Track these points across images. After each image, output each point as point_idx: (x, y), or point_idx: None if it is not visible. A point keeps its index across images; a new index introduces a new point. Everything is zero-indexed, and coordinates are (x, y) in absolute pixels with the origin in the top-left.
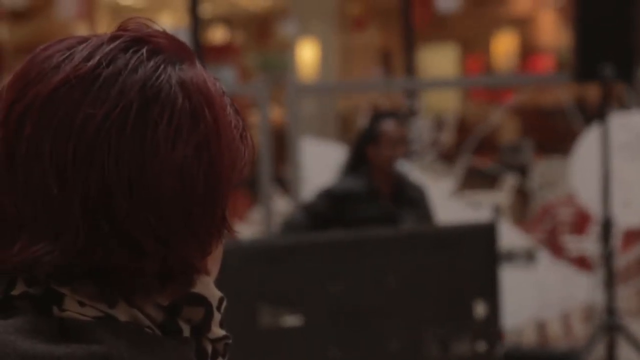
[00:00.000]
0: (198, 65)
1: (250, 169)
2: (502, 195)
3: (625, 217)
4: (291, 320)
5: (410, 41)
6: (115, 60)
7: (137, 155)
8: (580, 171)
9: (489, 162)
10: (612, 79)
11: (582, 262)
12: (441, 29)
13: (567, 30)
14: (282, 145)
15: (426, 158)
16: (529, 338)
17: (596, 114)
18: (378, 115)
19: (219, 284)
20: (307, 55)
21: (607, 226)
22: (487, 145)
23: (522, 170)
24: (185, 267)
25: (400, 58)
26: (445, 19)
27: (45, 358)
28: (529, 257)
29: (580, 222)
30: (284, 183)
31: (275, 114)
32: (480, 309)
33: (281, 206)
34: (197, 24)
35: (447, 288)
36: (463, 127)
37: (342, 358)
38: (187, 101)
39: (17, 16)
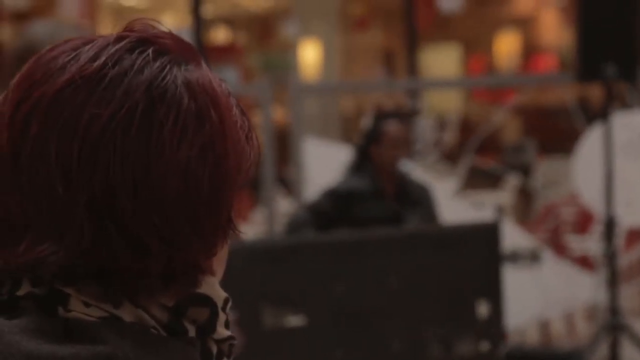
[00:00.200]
0: (204, 66)
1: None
2: (505, 195)
3: (628, 217)
4: (294, 321)
5: (412, 41)
6: (121, 60)
7: (142, 155)
8: (583, 171)
9: (491, 162)
10: (615, 79)
11: (585, 262)
12: (444, 29)
13: (570, 30)
14: (284, 145)
15: (429, 158)
16: (532, 338)
17: (599, 113)
18: (381, 115)
19: (221, 284)
20: (310, 55)
21: (610, 225)
22: (490, 145)
23: (525, 170)
24: (190, 267)
25: (402, 58)
26: (448, 19)
27: (50, 358)
28: (534, 257)
29: (583, 222)
30: (287, 183)
31: (278, 114)
32: (483, 309)
33: (284, 206)
34: (200, 24)
35: (449, 288)
36: (466, 127)
37: (345, 358)
38: (193, 102)
39: (19, 17)
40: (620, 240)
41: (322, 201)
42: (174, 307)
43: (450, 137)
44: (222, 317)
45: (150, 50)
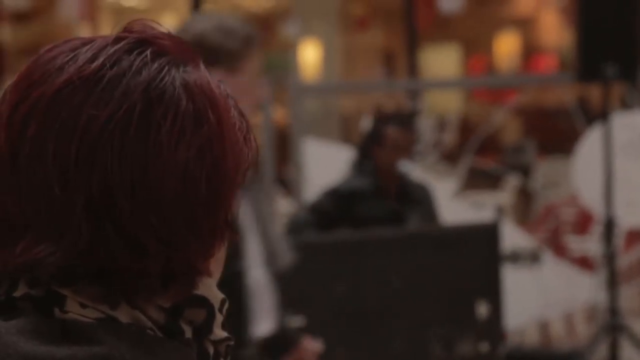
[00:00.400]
0: (202, 67)
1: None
2: (505, 196)
3: (627, 217)
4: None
5: (412, 41)
6: (120, 61)
7: (140, 156)
8: (582, 171)
9: (491, 163)
10: (615, 79)
11: (584, 262)
12: (444, 29)
13: (570, 30)
14: (284, 145)
15: (429, 158)
16: (532, 338)
17: (599, 114)
18: (382, 117)
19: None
20: (310, 55)
21: (609, 226)
22: (490, 145)
23: (525, 171)
24: (188, 268)
25: (402, 58)
26: (448, 19)
27: (47, 359)
28: (534, 258)
29: (583, 222)
30: (287, 184)
31: (278, 114)
32: (482, 309)
33: (283, 207)
34: None
35: (449, 288)
36: (466, 128)
37: (345, 358)
38: (191, 103)
39: (19, 17)
40: (620, 240)
41: (324, 201)
42: (170, 309)
43: (450, 137)
44: (218, 318)
45: (148, 52)
